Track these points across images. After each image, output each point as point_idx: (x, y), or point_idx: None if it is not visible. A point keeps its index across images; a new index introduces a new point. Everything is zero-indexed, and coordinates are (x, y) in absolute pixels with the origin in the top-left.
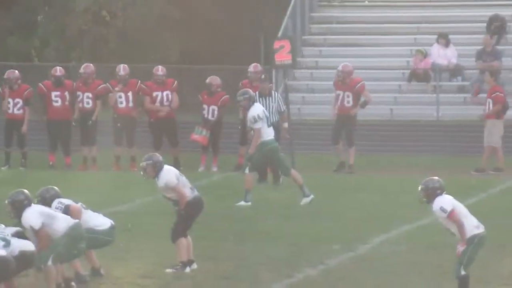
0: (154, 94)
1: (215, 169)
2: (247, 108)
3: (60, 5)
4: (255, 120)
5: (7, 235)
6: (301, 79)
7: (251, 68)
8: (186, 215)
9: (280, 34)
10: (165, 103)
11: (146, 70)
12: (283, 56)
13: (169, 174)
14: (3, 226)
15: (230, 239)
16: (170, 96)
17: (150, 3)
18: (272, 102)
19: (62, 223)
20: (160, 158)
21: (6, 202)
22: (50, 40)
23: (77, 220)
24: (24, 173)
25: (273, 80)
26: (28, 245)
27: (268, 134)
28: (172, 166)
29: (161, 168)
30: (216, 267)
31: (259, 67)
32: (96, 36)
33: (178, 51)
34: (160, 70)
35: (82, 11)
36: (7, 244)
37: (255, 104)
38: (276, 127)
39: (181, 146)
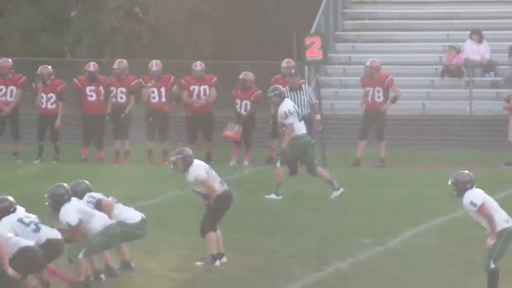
0: (192, 88)
1: (246, 163)
2: (277, 104)
3: (92, 2)
4: (286, 116)
5: (39, 221)
6: (334, 74)
7: (284, 63)
8: (216, 209)
9: (312, 30)
10: (202, 97)
11: (179, 65)
12: (314, 52)
13: (199, 168)
14: (23, 209)
15: (261, 232)
16: (207, 90)
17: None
18: (303, 95)
19: (99, 221)
20: (190, 152)
21: (46, 195)
22: (83, 36)
23: (113, 221)
24: (56, 167)
25: (306, 76)
26: (55, 233)
27: (300, 128)
28: (203, 160)
29: (191, 162)
30: (247, 260)
31: (292, 62)
32: (129, 32)
33: (210, 46)
34: (198, 65)
35: (115, 8)
36: (37, 229)
37: (286, 99)
38: (308, 120)
39: (214, 140)
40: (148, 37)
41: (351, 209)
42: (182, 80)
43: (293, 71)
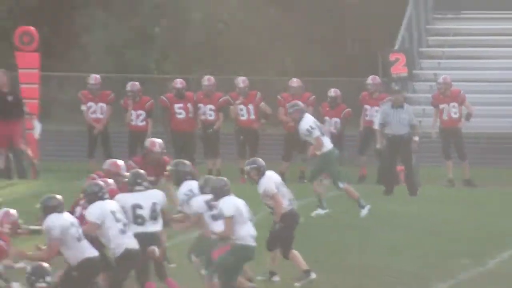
0: (287, 105)
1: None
2: (297, 120)
3: (177, 18)
4: (310, 132)
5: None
6: (420, 91)
7: (370, 80)
8: (281, 227)
9: (396, 46)
10: None
11: (265, 82)
12: (399, 69)
13: (269, 181)
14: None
15: (353, 251)
16: None
17: (267, 16)
18: (403, 113)
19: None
20: (263, 163)
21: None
22: (169, 52)
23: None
24: None
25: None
26: (134, 244)
27: (327, 143)
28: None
29: (263, 173)
30: (343, 279)
31: (378, 79)
32: (214, 48)
33: (295, 63)
34: (295, 82)
35: (199, 24)
36: (123, 231)
37: (306, 115)
38: (407, 140)
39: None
40: (233, 53)
41: (444, 228)
42: (278, 97)
43: (396, 87)
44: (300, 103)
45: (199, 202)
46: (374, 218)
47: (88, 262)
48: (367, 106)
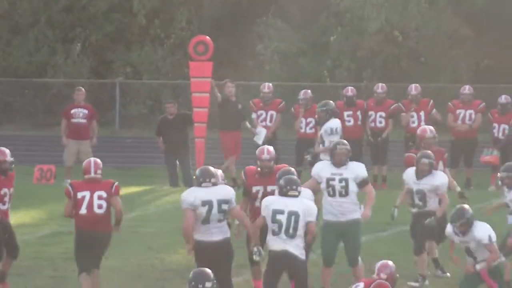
0: (457, 112)
1: (493, 188)
2: (324, 120)
3: (353, 26)
4: (332, 132)
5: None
6: None
7: None
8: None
9: None
10: (467, 122)
11: (438, 89)
12: None
13: None
14: None
15: None
16: (473, 115)
17: (443, 22)
18: None
19: None
20: None
21: None
22: (342, 60)
23: None
24: None
25: None
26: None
27: None
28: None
29: None
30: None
31: None
32: (388, 56)
33: (469, 69)
34: (467, 89)
35: (375, 32)
36: (220, 220)
37: (334, 118)
38: None
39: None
40: (407, 61)
41: None
42: (449, 104)
43: None
44: (330, 103)
45: None
46: None
47: None
48: None
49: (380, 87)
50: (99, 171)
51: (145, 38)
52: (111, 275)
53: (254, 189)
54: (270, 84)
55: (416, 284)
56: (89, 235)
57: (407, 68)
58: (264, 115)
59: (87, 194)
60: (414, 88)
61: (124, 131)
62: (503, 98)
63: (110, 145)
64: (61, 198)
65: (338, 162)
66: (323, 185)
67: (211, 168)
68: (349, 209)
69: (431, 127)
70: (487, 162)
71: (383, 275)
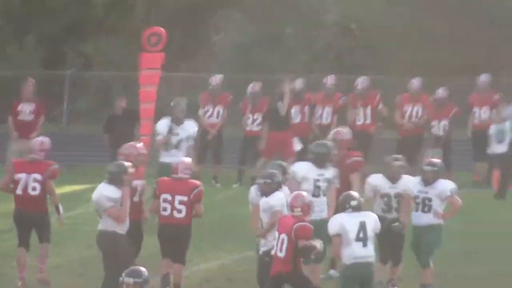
0: (405, 108)
1: None
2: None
3: (309, 18)
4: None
5: None
6: None
7: (483, 78)
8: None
9: None
10: (413, 119)
11: (389, 83)
12: None
13: None
14: None
15: (457, 257)
16: (420, 112)
17: (399, 14)
18: None
19: None
20: None
21: None
22: (297, 53)
23: None
24: None
25: None
26: None
27: None
28: None
29: None
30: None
31: (489, 77)
32: (343, 48)
33: (423, 63)
34: (415, 83)
35: (331, 24)
36: None
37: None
38: None
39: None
40: (361, 53)
41: None
42: (397, 99)
43: None
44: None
45: None
46: (483, 225)
47: None
48: (476, 109)
49: (329, 79)
50: (41, 153)
51: (100, 29)
52: (51, 273)
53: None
54: (221, 76)
55: None
56: (22, 214)
57: (360, 60)
58: (210, 111)
59: (23, 176)
60: (361, 82)
61: (71, 127)
62: (440, 92)
63: (57, 141)
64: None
65: (321, 165)
66: (308, 186)
67: None
68: (324, 208)
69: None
70: None
71: (297, 210)
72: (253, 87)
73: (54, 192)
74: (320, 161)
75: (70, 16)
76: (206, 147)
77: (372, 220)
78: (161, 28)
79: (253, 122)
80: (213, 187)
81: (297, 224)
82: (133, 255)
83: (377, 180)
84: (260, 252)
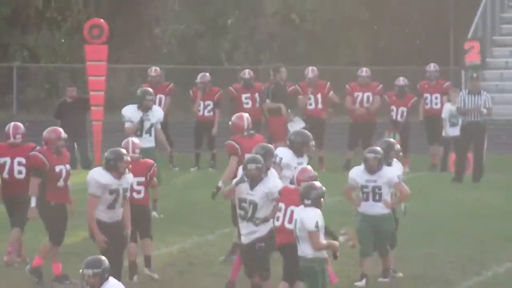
0: (355, 94)
1: (406, 169)
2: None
3: (250, 9)
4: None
5: None
6: (490, 79)
7: (431, 67)
8: None
9: (470, 34)
10: (365, 105)
11: (335, 71)
12: (472, 57)
13: None
14: None
15: (420, 239)
16: (370, 98)
17: (339, 5)
18: (480, 100)
19: None
20: None
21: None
22: (240, 43)
23: None
24: (213, 174)
25: (462, 81)
26: None
27: None
28: None
29: None
30: (405, 267)
31: (437, 66)
32: (286, 38)
33: (365, 51)
34: (364, 71)
35: (272, 14)
36: None
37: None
38: (482, 127)
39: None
40: (304, 44)
41: (508, 214)
42: (347, 86)
43: (474, 75)
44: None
45: None
46: (441, 206)
47: None
48: (427, 95)
49: (311, 71)
50: (18, 136)
51: (41, 21)
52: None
53: None
54: (158, 68)
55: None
56: (10, 197)
57: (304, 51)
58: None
59: (7, 160)
60: (311, 71)
61: (22, 115)
62: (400, 81)
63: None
64: None
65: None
66: (290, 173)
67: None
68: None
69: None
70: None
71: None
72: (203, 76)
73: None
74: (297, 150)
75: (9, 7)
76: None
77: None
78: (102, 20)
79: (205, 108)
80: (171, 171)
81: None
82: (121, 242)
83: (357, 172)
84: (252, 239)
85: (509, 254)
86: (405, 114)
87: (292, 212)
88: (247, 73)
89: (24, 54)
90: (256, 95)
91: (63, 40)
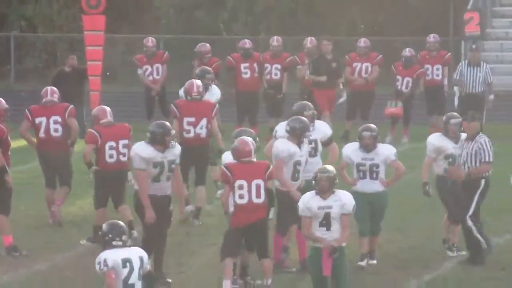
0: (354, 64)
1: (406, 140)
2: None
3: None
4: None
5: None
6: (490, 50)
7: (431, 38)
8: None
9: (470, 5)
10: (363, 75)
11: (334, 42)
12: (472, 28)
13: None
14: None
15: (421, 211)
16: (369, 68)
17: None
18: (479, 72)
19: None
20: None
21: None
22: (239, 14)
23: None
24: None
25: (462, 52)
26: None
27: None
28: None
29: None
30: (404, 238)
31: (437, 37)
32: (284, 9)
33: (364, 22)
34: (362, 42)
35: None
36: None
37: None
38: (481, 98)
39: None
40: (303, 14)
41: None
42: (347, 57)
43: (474, 46)
44: None
45: None
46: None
47: None
48: (428, 66)
49: (275, 40)
50: (55, 95)
51: None
52: (12, 228)
53: None
54: (153, 39)
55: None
56: (47, 155)
57: (303, 22)
58: (150, 69)
59: (43, 119)
60: (309, 41)
61: (19, 84)
62: (407, 51)
63: (4, 98)
64: None
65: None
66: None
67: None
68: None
69: None
70: (392, 114)
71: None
72: (202, 46)
73: (77, 128)
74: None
75: None
76: (152, 103)
77: None
78: None
79: None
80: None
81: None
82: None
83: (351, 150)
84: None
85: (506, 225)
86: (410, 84)
87: (258, 185)
88: (247, 43)
89: (22, 24)
90: (255, 65)
91: (60, 11)
